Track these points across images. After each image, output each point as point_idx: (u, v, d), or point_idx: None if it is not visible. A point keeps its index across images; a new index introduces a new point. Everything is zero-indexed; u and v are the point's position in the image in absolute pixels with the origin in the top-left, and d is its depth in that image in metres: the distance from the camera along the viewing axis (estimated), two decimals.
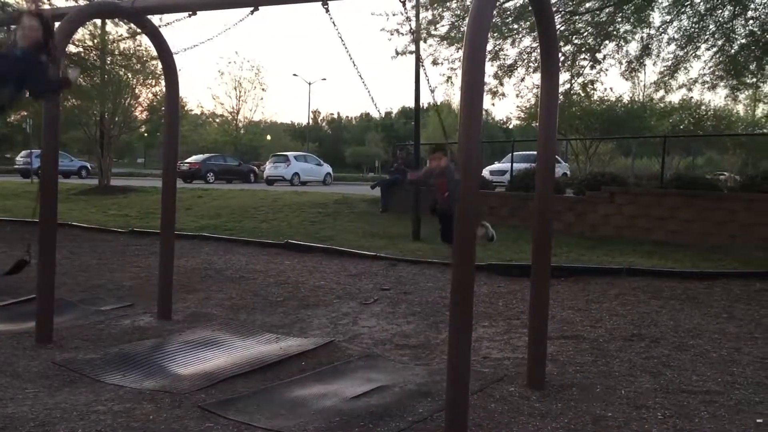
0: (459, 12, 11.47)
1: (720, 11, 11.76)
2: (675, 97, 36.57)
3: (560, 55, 11.35)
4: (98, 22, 16.29)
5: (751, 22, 11.95)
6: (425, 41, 12.11)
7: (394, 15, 12.29)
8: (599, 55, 12.46)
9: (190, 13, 5.43)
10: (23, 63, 4.12)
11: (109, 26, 16.08)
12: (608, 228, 12.71)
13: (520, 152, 22.32)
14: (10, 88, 4.18)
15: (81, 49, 14.99)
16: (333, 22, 5.08)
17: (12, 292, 7.18)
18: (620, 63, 12.92)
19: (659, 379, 4.84)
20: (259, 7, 5.27)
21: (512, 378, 4.77)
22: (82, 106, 19.77)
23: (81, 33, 15.12)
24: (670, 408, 4.23)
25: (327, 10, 5.04)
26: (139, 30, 9.20)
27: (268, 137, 62.08)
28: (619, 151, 42.19)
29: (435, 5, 11.52)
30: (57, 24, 5.76)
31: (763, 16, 11.88)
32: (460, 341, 3.86)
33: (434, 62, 12.56)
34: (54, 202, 5.53)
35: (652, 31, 12.39)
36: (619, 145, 39.36)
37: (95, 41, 15.96)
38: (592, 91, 14.79)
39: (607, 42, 12.26)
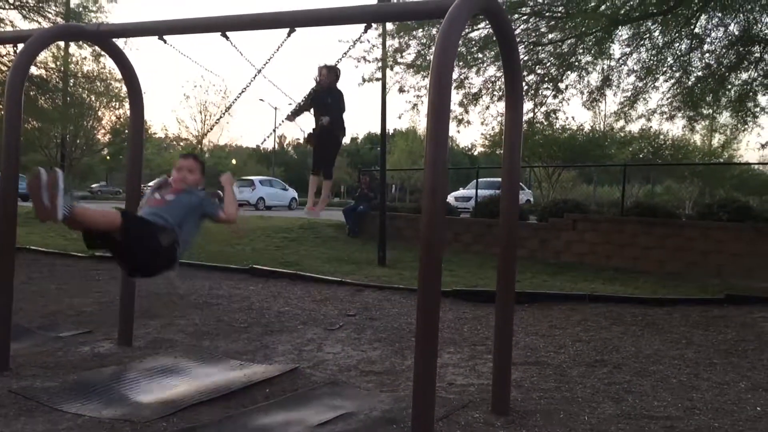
0: (425, 41, 11.63)
1: (677, 44, 12.13)
2: (635, 127, 37.33)
3: (524, 84, 11.58)
4: (61, 44, 16.13)
5: (707, 55, 12.34)
6: (392, 69, 12.24)
7: (361, 42, 12.40)
8: (561, 85, 12.72)
9: (158, 37, 5.40)
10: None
11: (72, 48, 15.93)
12: (571, 254, 12.90)
13: (485, 179, 22.62)
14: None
15: (43, 71, 14.81)
16: (277, 50, 5.08)
17: None
18: (582, 93, 13.21)
19: (621, 404, 4.89)
20: (227, 33, 5.28)
21: (477, 404, 4.78)
22: (42, 128, 19.47)
23: (43, 55, 14.97)
24: None
25: (289, 35, 5.06)
26: (103, 53, 9.15)
27: (234, 161, 61.71)
28: (582, 178, 42.98)
29: (402, 33, 11.66)
30: (21, 45, 5.70)
31: (718, 50, 12.28)
32: (426, 368, 3.86)
33: (401, 89, 12.69)
34: (12, 227, 5.40)
35: (613, 63, 12.71)
36: (581, 173, 40.12)
37: (57, 63, 15.79)
38: (555, 120, 15.05)
39: (569, 72, 12.53)
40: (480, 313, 8.13)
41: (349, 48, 4.97)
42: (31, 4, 14.47)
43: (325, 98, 6.22)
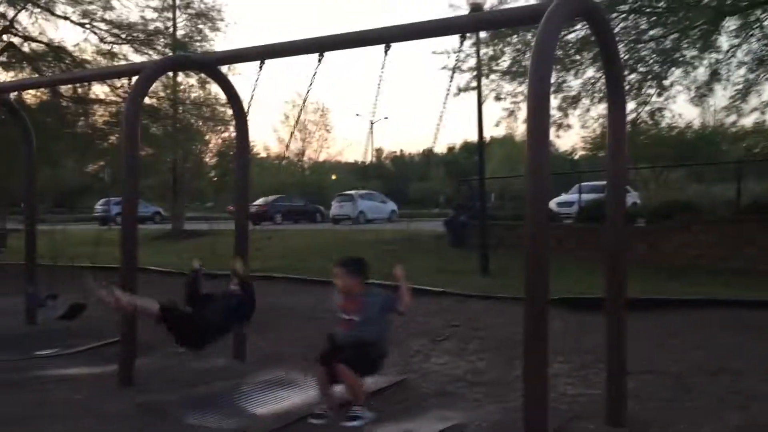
0: (520, 46, 11.50)
1: None
2: (748, 121, 35.36)
3: (625, 83, 11.23)
4: (170, 73, 17.02)
5: None
6: (487, 77, 12.17)
7: (455, 53, 12.41)
8: (666, 82, 12.26)
9: (260, 62, 5.62)
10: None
11: (180, 76, 16.75)
12: (683, 257, 12.33)
13: (588, 183, 21.99)
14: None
15: (154, 100, 15.66)
16: (383, 66, 5.09)
17: (95, 335, 7.46)
18: (688, 89, 12.68)
19: (746, 413, 4.64)
20: (324, 53, 5.42)
21: (591, 415, 4.65)
22: (155, 154, 20.54)
23: (154, 84, 15.84)
24: None
25: (386, 53, 5.12)
26: (209, 79, 9.60)
27: (333, 177, 62.94)
28: (692, 177, 41.04)
29: (496, 41, 11.59)
30: (135, 78, 6.07)
31: None
32: (536, 378, 3.81)
33: (497, 97, 12.59)
34: (133, 248, 5.74)
35: (721, 56, 12.12)
36: (691, 172, 38.32)
37: (167, 92, 16.65)
38: (661, 119, 14.50)
39: (674, 68, 12.05)
40: (589, 321, 7.89)
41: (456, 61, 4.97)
42: (142, 38, 15.37)
43: None
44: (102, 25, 15.11)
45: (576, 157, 64.09)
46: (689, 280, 10.54)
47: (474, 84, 12.23)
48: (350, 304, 4.77)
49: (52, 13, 14.83)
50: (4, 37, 15.00)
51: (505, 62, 11.94)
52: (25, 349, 6.97)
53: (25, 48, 15.05)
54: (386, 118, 73.33)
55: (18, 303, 8.40)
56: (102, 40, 15.20)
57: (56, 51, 14.73)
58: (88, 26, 15.01)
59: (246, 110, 6.53)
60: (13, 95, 8.90)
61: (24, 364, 6.40)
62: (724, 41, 12.42)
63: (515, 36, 11.44)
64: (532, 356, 3.82)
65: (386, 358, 4.81)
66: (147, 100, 14.22)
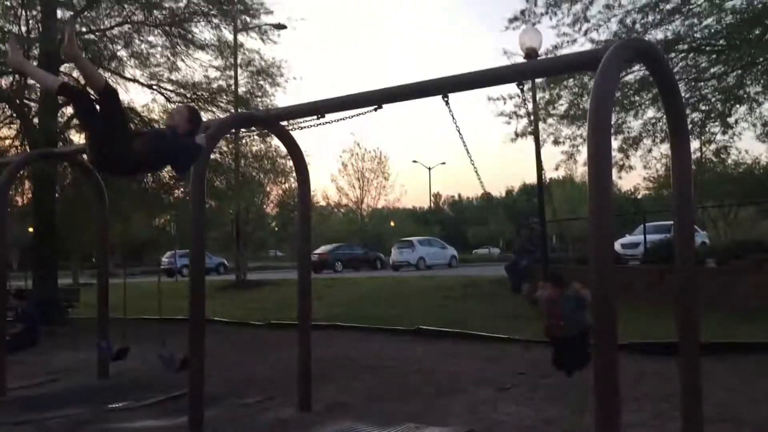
0: (577, 89, 11.48)
1: None
2: None
3: (688, 122, 11.04)
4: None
5: None
6: (544, 121, 12.15)
7: (510, 98, 12.47)
8: (730, 120, 11.99)
9: (319, 116, 5.77)
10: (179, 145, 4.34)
11: (242, 131, 17.26)
12: (758, 299, 11.82)
13: (652, 223, 21.48)
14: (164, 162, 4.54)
15: (217, 155, 16.14)
16: (452, 115, 5.22)
17: (164, 388, 7.61)
18: (754, 126, 12.36)
19: None
20: (382, 105, 5.53)
21: None
22: (219, 206, 21.10)
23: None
24: None
25: (447, 103, 5.21)
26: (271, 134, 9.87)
27: (392, 223, 63.14)
28: (762, 215, 39.61)
29: (552, 86, 11.60)
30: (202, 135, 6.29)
31: None
32: (609, 427, 3.70)
33: (555, 141, 12.54)
34: (201, 300, 5.88)
35: None
36: (761, 210, 37.00)
37: (230, 146, 17.15)
38: (726, 156, 14.16)
39: (738, 106, 11.80)
40: (660, 366, 7.65)
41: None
42: (206, 96, 15.95)
43: None
44: (168, 86, 15.77)
45: (639, 196, 62.82)
46: (764, 322, 10.10)
47: (531, 129, 12.22)
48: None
49: (122, 76, 15.57)
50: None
51: (562, 106, 11.93)
52: (98, 403, 7.14)
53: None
54: (444, 163, 73.55)
55: (90, 357, 8.64)
56: (168, 99, 15.84)
57: (125, 112, 15.40)
58: (155, 87, 15.70)
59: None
60: (85, 156, 9.33)
61: (97, 416, 6.56)
62: None
63: (572, 80, 11.44)
64: (603, 404, 3.73)
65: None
66: (211, 156, 14.71)
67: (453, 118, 5.21)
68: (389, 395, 7.03)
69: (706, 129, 12.09)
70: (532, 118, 11.81)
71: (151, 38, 15.37)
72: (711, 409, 5.77)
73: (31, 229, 17.69)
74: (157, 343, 9.16)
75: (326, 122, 5.90)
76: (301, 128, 6.26)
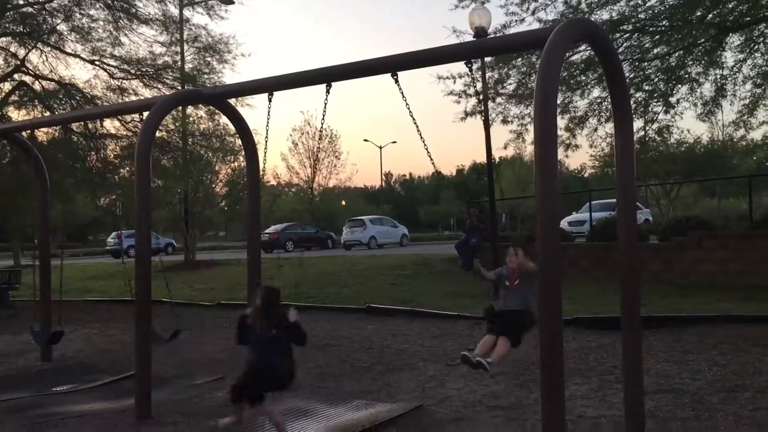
0: (525, 69, 11.58)
1: None
2: (757, 134, 35.32)
3: (632, 102, 11.27)
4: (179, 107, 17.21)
5: None
6: (493, 100, 12.24)
7: (460, 77, 12.50)
8: (672, 100, 12.27)
9: (269, 94, 5.69)
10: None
11: (189, 109, 16.93)
12: (699, 274, 12.25)
13: (598, 201, 21.92)
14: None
15: (164, 133, 15.81)
16: (402, 93, 5.20)
17: (110, 370, 7.49)
18: (695, 105, 12.68)
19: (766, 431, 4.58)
20: (332, 83, 5.47)
21: None
22: (166, 185, 20.72)
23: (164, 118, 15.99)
24: None
25: (396, 81, 5.19)
26: (218, 111, 9.71)
27: (343, 202, 63.07)
28: (704, 192, 40.86)
29: (501, 65, 11.67)
30: (146, 114, 6.15)
31: None
32: (553, 400, 3.79)
33: (504, 120, 12.64)
34: (148, 282, 5.78)
35: (726, 71, 12.15)
36: (702, 187, 38.15)
37: (177, 124, 16.81)
38: (668, 136, 14.50)
39: (679, 86, 12.08)
40: (605, 340, 7.86)
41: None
42: (151, 73, 15.56)
43: None
44: (111, 62, 15.31)
45: (585, 175, 64.03)
46: (705, 296, 10.47)
47: (480, 108, 12.30)
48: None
49: (62, 51, 15.06)
50: (16, 76, 15.23)
51: (511, 85, 12.03)
52: (42, 386, 6.99)
53: (37, 86, 15.27)
54: (395, 142, 73.61)
55: (33, 340, 8.43)
56: (111, 76, 15.40)
57: (67, 88, 14.93)
58: (97, 63, 15.23)
59: (265, 145, 6.53)
60: (24, 133, 9.03)
61: (42, 400, 6.42)
62: (729, 57, 12.48)
63: (520, 59, 11.53)
64: (549, 378, 3.81)
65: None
66: (157, 134, 14.42)
67: (403, 96, 5.19)
68: (340, 373, 7.06)
69: (649, 108, 12.35)
70: (481, 97, 11.88)
71: (92, 12, 14.90)
72: (652, 380, 5.97)
73: None
74: (101, 324, 8.98)
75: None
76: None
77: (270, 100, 5.74)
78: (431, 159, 5.38)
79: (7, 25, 14.73)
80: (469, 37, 12.03)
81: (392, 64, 5.14)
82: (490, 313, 5.38)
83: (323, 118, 5.45)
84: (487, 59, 11.75)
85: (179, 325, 7.16)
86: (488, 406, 5.58)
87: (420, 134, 5.25)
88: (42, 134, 14.28)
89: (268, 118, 5.84)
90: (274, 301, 4.76)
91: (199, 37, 16.48)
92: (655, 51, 11.38)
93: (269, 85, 5.75)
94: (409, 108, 5.19)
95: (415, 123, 5.26)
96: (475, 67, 11.90)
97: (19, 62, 15.03)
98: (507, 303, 5.21)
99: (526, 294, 5.01)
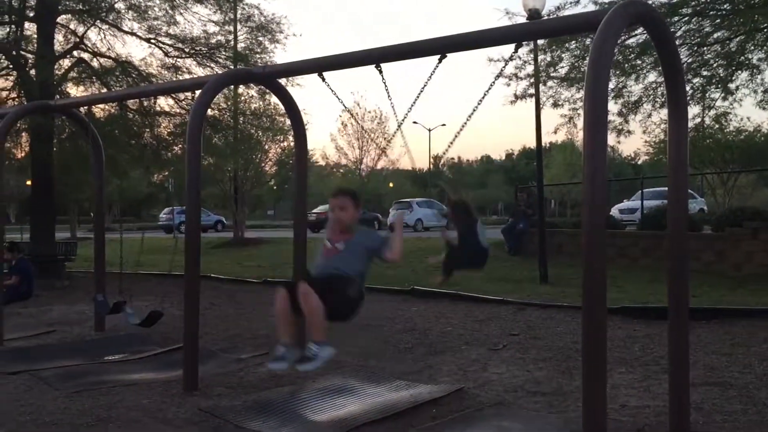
0: (578, 52, 11.36)
1: None
2: None
3: (689, 87, 10.96)
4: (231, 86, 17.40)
5: None
6: (545, 84, 12.05)
7: (511, 59, 12.31)
8: (732, 86, 11.89)
9: (318, 74, 5.72)
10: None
11: (241, 88, 17.11)
12: (753, 266, 11.92)
13: (651, 189, 21.48)
14: None
15: (216, 112, 16.04)
16: (431, 74, 5.17)
17: (161, 341, 7.70)
18: (755, 92, 12.27)
19: None
20: (381, 65, 5.47)
21: (653, 427, 4.55)
22: (217, 163, 21.05)
23: (216, 97, 16.20)
24: None
25: (440, 61, 5.13)
26: (269, 91, 9.79)
27: (391, 184, 63.13)
28: (762, 183, 39.57)
29: (554, 47, 11.47)
30: (198, 92, 6.25)
31: None
32: (595, 389, 3.76)
33: (555, 104, 12.45)
34: (196, 256, 5.91)
35: None
36: (761, 177, 36.94)
37: (228, 103, 17.02)
38: (726, 123, 14.08)
39: (739, 72, 11.69)
40: (652, 330, 7.73)
41: (501, 69, 4.95)
42: (204, 52, 15.77)
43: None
44: (166, 40, 15.56)
45: (639, 162, 62.65)
46: (758, 289, 10.19)
47: (531, 91, 12.12)
48: (342, 236, 4.62)
49: (119, 29, 15.38)
50: (75, 53, 15.63)
51: (563, 68, 11.81)
52: (95, 355, 7.23)
53: (95, 63, 15.63)
54: (444, 125, 73.21)
55: (87, 310, 8.72)
56: (166, 54, 15.65)
57: (123, 66, 15.25)
58: (153, 41, 15.49)
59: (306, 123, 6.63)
60: (82, 109, 9.29)
61: (94, 368, 6.65)
62: None
63: (573, 42, 11.31)
64: (591, 366, 3.77)
65: (361, 308, 4.66)
66: (209, 112, 14.62)
67: (429, 79, 4.97)
68: (382, 354, 7.11)
69: (707, 95, 12.00)
70: (532, 80, 11.71)
71: None
72: (699, 372, 5.87)
73: (29, 183, 17.68)
74: (155, 297, 9.22)
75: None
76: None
77: (322, 79, 5.74)
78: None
79: (67, 3, 15.10)
80: (522, 20, 11.85)
81: (442, 46, 5.10)
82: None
83: (389, 99, 5.31)
84: (540, 42, 11.56)
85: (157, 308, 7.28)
86: (529, 391, 5.56)
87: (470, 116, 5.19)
88: (99, 111, 14.65)
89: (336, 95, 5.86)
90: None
91: (252, 17, 16.60)
92: (715, 36, 11.02)
93: (318, 65, 5.77)
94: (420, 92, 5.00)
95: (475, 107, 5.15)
96: (526, 49, 11.73)
97: (78, 39, 15.41)
98: None
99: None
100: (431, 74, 5.05)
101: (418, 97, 5.11)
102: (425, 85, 5.00)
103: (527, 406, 5.15)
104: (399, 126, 5.17)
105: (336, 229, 4.66)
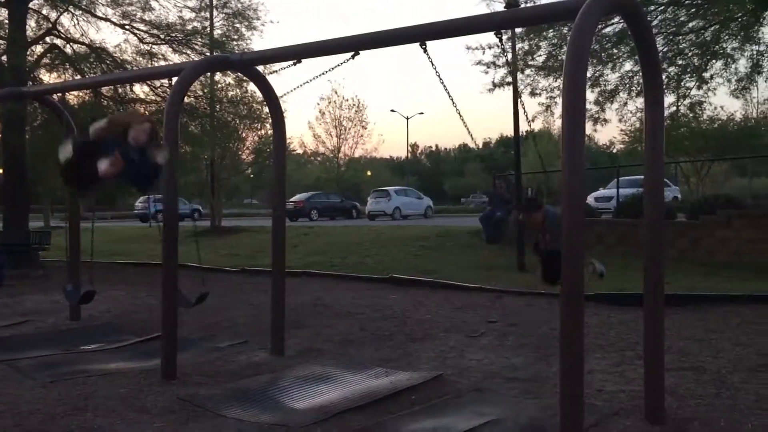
0: (556, 41, 11.40)
1: None
2: None
3: (664, 76, 11.05)
4: (208, 73, 17.21)
5: None
6: (522, 72, 12.09)
7: (489, 48, 12.35)
8: (706, 75, 12.02)
9: (296, 61, 5.69)
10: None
11: (218, 75, 16.95)
12: (726, 253, 12.10)
13: (627, 177, 21.69)
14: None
15: (192, 99, 15.87)
16: (431, 61, 5.18)
17: (138, 331, 7.65)
18: (729, 81, 12.41)
19: None
20: (360, 51, 5.45)
21: (629, 412, 4.62)
22: (194, 152, 20.84)
23: (192, 84, 15.99)
24: None
25: (425, 50, 5.16)
26: (246, 78, 9.72)
27: (368, 173, 63.05)
28: (735, 171, 40.11)
29: (531, 36, 11.50)
30: (174, 79, 6.19)
31: None
32: (572, 374, 3.80)
33: (532, 92, 12.49)
34: (174, 245, 5.87)
35: (762, 47, 11.85)
36: (734, 166, 37.44)
37: (205, 91, 16.85)
38: (701, 112, 14.22)
39: (714, 61, 11.82)
40: (627, 317, 7.84)
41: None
42: (180, 38, 15.57)
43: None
44: (141, 26, 15.34)
45: (614, 150, 63.10)
46: (731, 275, 10.36)
47: (509, 79, 12.16)
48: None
49: (93, 15, 15.12)
50: (47, 39, 15.36)
51: (540, 57, 11.85)
52: (71, 344, 7.17)
53: (68, 50, 15.38)
54: (421, 113, 73.12)
55: (62, 300, 8.62)
56: (141, 40, 15.44)
57: (98, 52, 15.02)
58: (128, 27, 15.27)
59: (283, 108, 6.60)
60: (56, 96, 9.14)
61: (70, 358, 6.59)
62: (766, 32, 12.15)
63: (551, 30, 11.34)
64: (568, 352, 3.82)
65: None
66: (185, 99, 14.47)
67: (433, 66, 5.15)
68: (361, 341, 7.14)
69: (682, 84, 12.11)
70: (510, 68, 11.73)
71: None
72: (674, 357, 5.96)
73: (0, 171, 17.39)
74: (128, 286, 9.16)
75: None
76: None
77: (295, 64, 5.72)
78: (469, 131, 5.37)
79: None
80: (500, 7, 11.87)
81: (420, 34, 5.10)
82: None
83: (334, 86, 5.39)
84: (518, 30, 11.59)
85: (205, 289, 7.23)
86: (507, 378, 5.62)
87: (454, 103, 5.23)
88: (73, 98, 14.45)
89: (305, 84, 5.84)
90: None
91: (228, 3, 16.42)
92: (690, 25, 11.12)
93: (296, 53, 5.75)
94: (440, 77, 5.14)
95: (447, 92, 5.22)
96: (504, 37, 11.74)
97: (50, 25, 15.14)
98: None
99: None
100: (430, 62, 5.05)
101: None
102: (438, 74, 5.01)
103: (505, 392, 5.20)
104: (455, 107, 5.19)
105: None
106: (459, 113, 5.33)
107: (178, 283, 5.92)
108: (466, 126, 5.39)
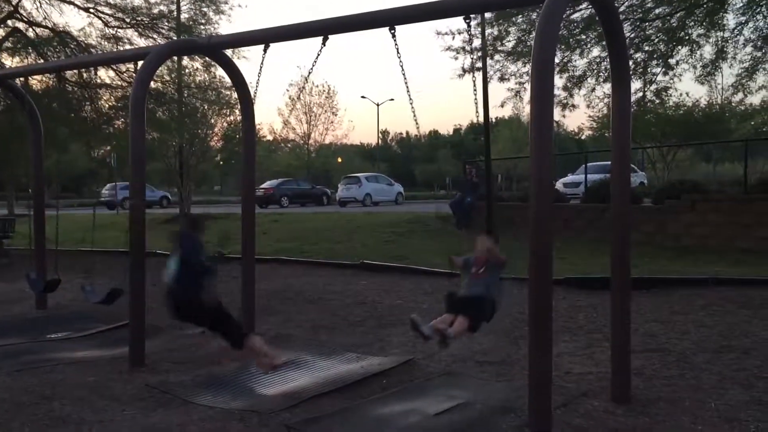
0: (525, 26, 11.45)
1: None
2: (756, 99, 35.09)
3: (631, 62, 11.17)
4: (175, 57, 16.96)
5: None
6: (492, 57, 12.13)
7: (459, 33, 12.38)
8: (672, 61, 12.19)
9: (264, 45, 5.62)
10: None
11: (185, 60, 16.73)
12: (691, 237, 12.33)
13: (594, 163, 21.93)
14: None
15: (160, 84, 15.64)
16: (397, 47, 5.14)
17: (105, 318, 7.55)
18: (694, 68, 12.60)
19: (751, 391, 4.67)
20: (329, 36, 5.41)
21: (596, 393, 4.70)
22: (161, 138, 20.56)
23: (159, 69, 15.76)
24: (764, 420, 4.09)
25: (393, 35, 5.13)
26: (214, 63, 9.60)
27: (339, 159, 62.92)
28: (700, 157, 40.82)
29: (501, 21, 11.53)
30: (140, 63, 6.09)
31: None
32: (541, 357, 3.85)
33: (502, 78, 12.56)
34: (142, 232, 5.80)
35: (727, 34, 12.04)
36: (698, 151, 38.11)
37: (172, 76, 16.62)
38: (667, 98, 14.43)
39: (679, 47, 11.98)
40: (595, 300, 7.95)
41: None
42: (146, 22, 15.31)
43: None
44: (106, 10, 15.06)
45: (582, 137, 63.79)
46: (696, 259, 10.56)
47: (479, 65, 12.20)
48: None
49: None
50: (9, 22, 14.99)
51: (510, 42, 11.91)
52: (37, 333, 7.06)
53: (30, 33, 15.03)
54: (392, 99, 73.02)
55: (27, 288, 8.47)
56: (106, 24, 15.16)
57: (61, 36, 14.71)
58: (92, 10, 14.97)
59: (253, 96, 6.55)
60: (19, 81, 8.93)
61: (36, 346, 6.49)
62: (730, 19, 12.35)
63: (520, 16, 11.39)
64: (537, 335, 3.87)
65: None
66: (152, 84, 14.25)
67: (398, 52, 5.13)
68: (333, 327, 7.14)
69: (649, 70, 12.27)
70: (479, 54, 11.77)
71: None
72: (640, 339, 6.06)
73: None
74: (95, 275, 9.04)
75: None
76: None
77: (265, 52, 5.67)
78: (414, 117, 5.38)
79: None
80: None
81: (389, 18, 5.08)
82: (452, 299, 5.00)
83: (310, 70, 5.37)
84: (487, 15, 11.60)
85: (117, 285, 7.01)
86: (477, 361, 5.67)
87: (408, 92, 5.22)
88: (36, 83, 14.14)
89: (260, 71, 5.79)
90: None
91: None
92: (657, 11, 11.26)
93: (265, 37, 5.69)
94: (402, 65, 5.12)
95: (405, 83, 5.21)
96: (474, 23, 11.75)
97: (12, 8, 14.77)
98: (470, 290, 4.89)
99: (490, 283, 4.80)
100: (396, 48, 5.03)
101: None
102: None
103: (475, 375, 5.25)
104: (409, 96, 5.17)
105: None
106: (410, 99, 5.28)
107: (144, 269, 5.84)
108: (413, 111, 5.37)
